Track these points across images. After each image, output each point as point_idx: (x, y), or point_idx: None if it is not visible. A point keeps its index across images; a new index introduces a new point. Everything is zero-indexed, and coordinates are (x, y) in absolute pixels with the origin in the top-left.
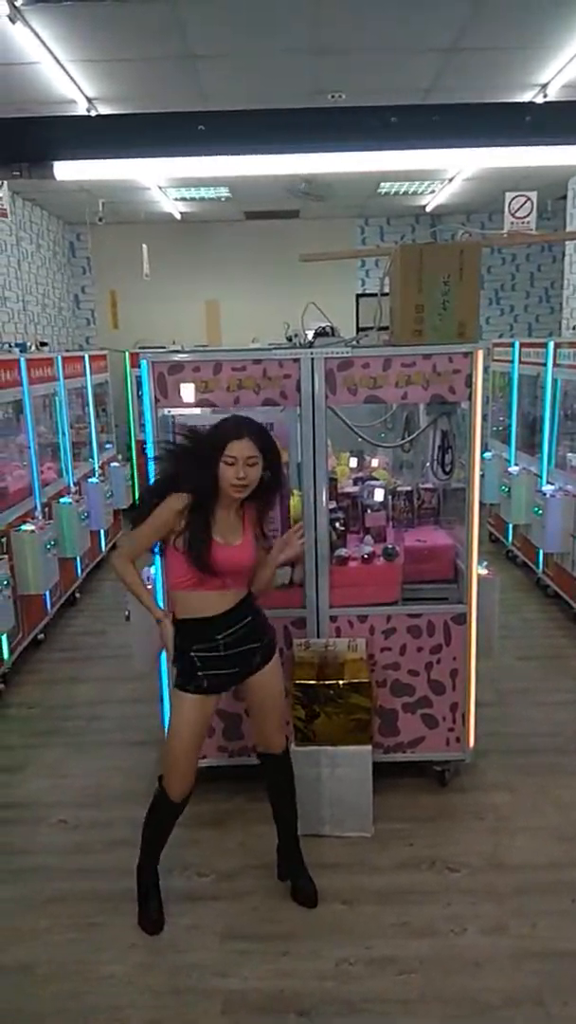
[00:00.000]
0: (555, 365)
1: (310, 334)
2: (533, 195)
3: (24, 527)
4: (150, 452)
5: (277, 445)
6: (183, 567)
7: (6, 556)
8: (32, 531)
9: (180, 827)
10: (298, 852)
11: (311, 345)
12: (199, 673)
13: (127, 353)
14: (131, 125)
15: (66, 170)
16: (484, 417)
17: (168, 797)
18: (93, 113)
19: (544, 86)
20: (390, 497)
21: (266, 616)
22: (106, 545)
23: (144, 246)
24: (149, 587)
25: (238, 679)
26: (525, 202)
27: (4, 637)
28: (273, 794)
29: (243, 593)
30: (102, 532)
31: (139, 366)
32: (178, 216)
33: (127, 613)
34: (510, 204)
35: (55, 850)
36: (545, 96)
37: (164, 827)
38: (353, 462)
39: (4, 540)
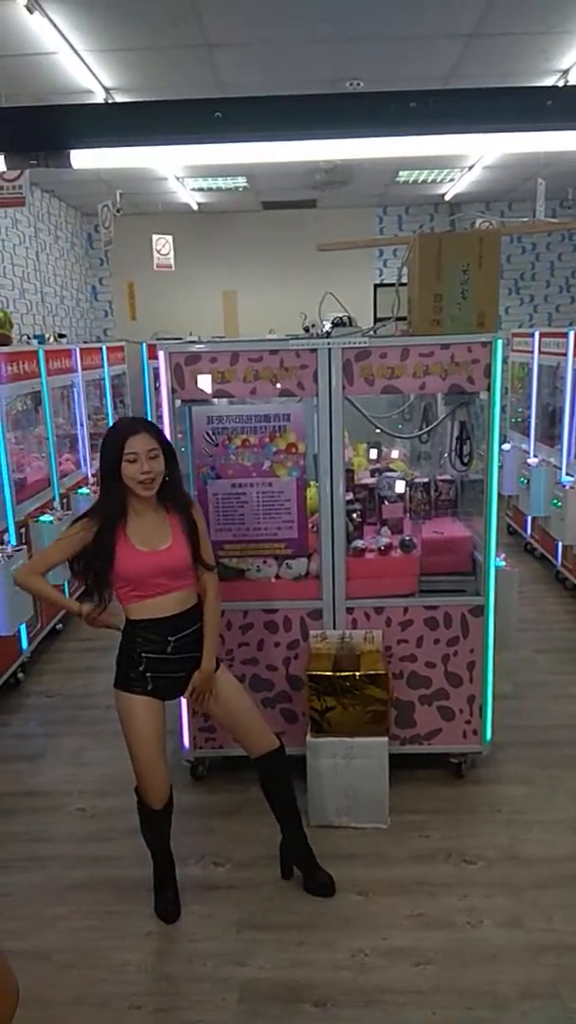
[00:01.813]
0: (575, 355)
1: (327, 324)
2: (543, 181)
3: (43, 518)
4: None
5: (170, 443)
6: (120, 586)
7: (25, 546)
8: (51, 521)
9: (196, 816)
10: (306, 847)
11: (328, 335)
12: (147, 674)
13: (144, 344)
14: (147, 113)
15: (83, 159)
16: (503, 408)
17: (148, 807)
18: (110, 102)
19: (565, 72)
20: (408, 488)
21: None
22: None
23: (169, 238)
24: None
25: (184, 685)
26: (542, 189)
27: (23, 627)
28: (273, 793)
29: (193, 599)
30: None
31: (156, 357)
32: (195, 207)
33: None
34: (540, 192)
35: (73, 838)
36: (567, 81)
37: (158, 832)
38: (371, 453)
39: (23, 530)
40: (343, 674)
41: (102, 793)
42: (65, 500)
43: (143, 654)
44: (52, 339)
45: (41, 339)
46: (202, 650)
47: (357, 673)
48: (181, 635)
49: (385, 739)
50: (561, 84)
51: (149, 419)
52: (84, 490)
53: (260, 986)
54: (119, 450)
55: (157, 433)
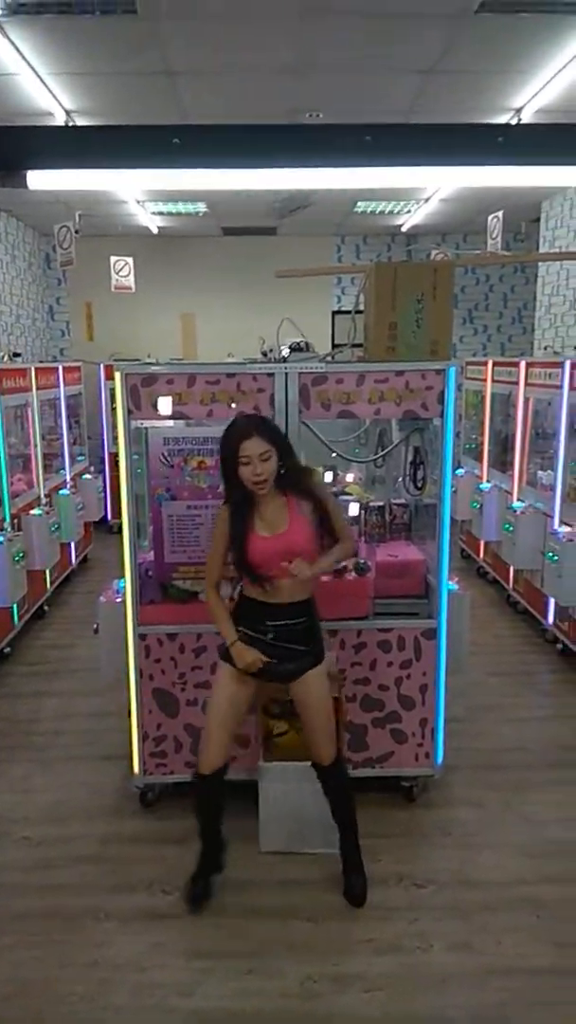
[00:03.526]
0: (527, 384)
1: (285, 349)
2: (500, 214)
3: None
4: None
5: (285, 435)
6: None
7: None
8: (0, 543)
9: (145, 843)
10: (356, 854)
11: (286, 360)
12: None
13: (102, 366)
14: (105, 136)
15: (40, 180)
16: (456, 434)
17: (198, 771)
18: (68, 125)
19: (519, 110)
20: (363, 512)
21: (321, 631)
22: (76, 558)
23: (130, 259)
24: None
25: (279, 674)
26: (496, 222)
27: None
28: (330, 801)
29: (308, 591)
30: (72, 544)
31: (113, 378)
32: (155, 230)
33: (95, 626)
34: (491, 226)
35: (18, 867)
36: (519, 119)
37: (207, 805)
38: (327, 477)
39: None
40: None
41: (49, 821)
42: (16, 521)
43: (242, 630)
44: (7, 358)
45: None
46: (306, 644)
47: None
48: (282, 623)
49: None
50: (514, 122)
51: (262, 417)
52: (37, 511)
53: (208, 1016)
54: (235, 453)
55: (270, 433)
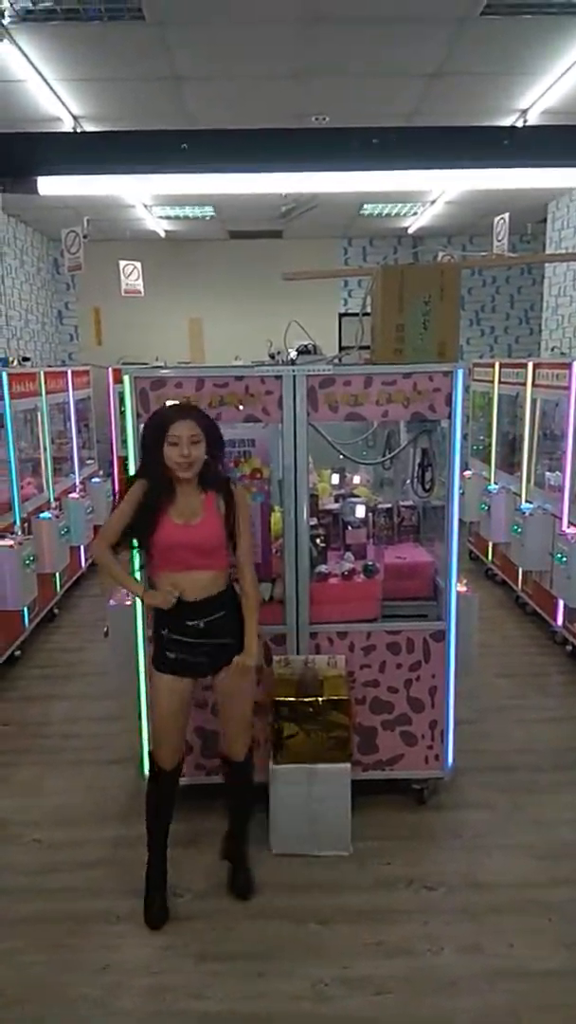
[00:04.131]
0: (534, 385)
1: (292, 352)
2: (506, 216)
3: (2, 543)
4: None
5: (218, 430)
6: (148, 553)
7: None
8: (10, 547)
9: None
10: (244, 847)
11: (293, 363)
12: (168, 654)
13: (110, 369)
14: (114, 142)
15: (49, 186)
16: (464, 436)
17: (158, 765)
18: (78, 131)
19: (524, 112)
20: (371, 514)
21: (241, 621)
22: (86, 561)
23: (138, 264)
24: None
25: (208, 669)
26: (503, 224)
27: None
28: (229, 793)
29: (220, 584)
30: (82, 548)
31: (122, 382)
32: (162, 234)
33: (106, 630)
34: (497, 228)
35: (28, 870)
36: (525, 121)
37: (161, 804)
38: (335, 479)
39: None
40: (306, 700)
41: (58, 824)
42: (26, 525)
43: (164, 633)
44: (16, 362)
45: (4, 362)
46: (228, 637)
47: (320, 699)
48: (203, 619)
49: (347, 765)
50: (520, 124)
51: (197, 407)
52: (46, 515)
53: (218, 1019)
54: (163, 432)
55: (203, 421)
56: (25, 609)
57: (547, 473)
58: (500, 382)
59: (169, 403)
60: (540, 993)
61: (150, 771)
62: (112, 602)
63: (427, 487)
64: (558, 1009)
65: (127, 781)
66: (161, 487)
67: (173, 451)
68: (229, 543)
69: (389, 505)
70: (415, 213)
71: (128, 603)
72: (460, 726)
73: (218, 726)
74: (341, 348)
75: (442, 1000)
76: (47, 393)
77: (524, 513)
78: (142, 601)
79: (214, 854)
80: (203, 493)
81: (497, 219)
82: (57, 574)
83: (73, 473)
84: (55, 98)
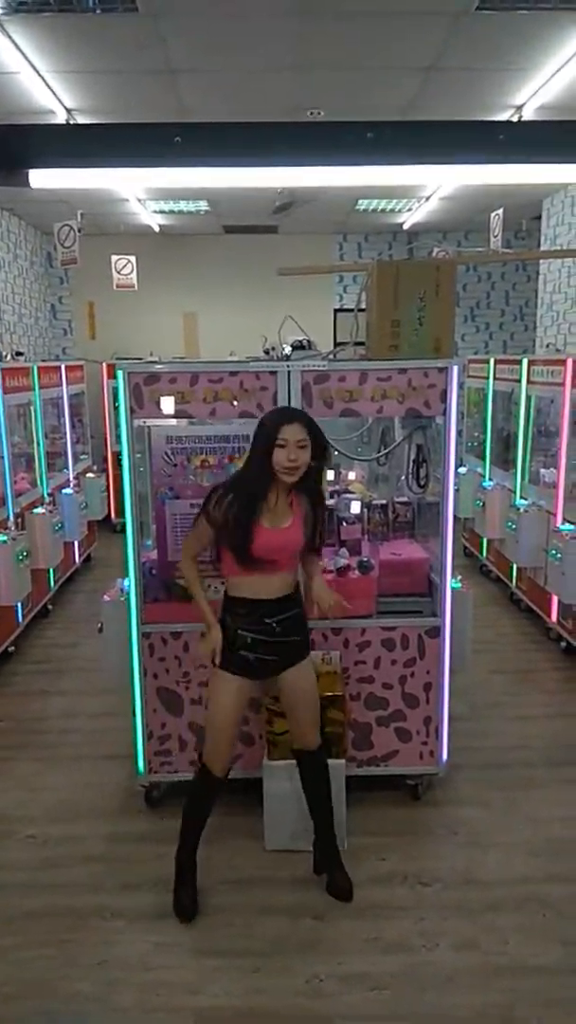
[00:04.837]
0: (529, 382)
1: (287, 348)
2: (500, 212)
3: None
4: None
5: (324, 435)
6: (231, 558)
7: None
8: (4, 542)
9: (151, 842)
10: (333, 848)
11: (288, 358)
12: (243, 654)
13: (104, 364)
14: (106, 135)
15: (41, 179)
16: (459, 432)
17: (211, 773)
18: (69, 123)
19: (520, 107)
20: (366, 510)
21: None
22: (80, 557)
23: (132, 258)
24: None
25: (278, 668)
26: (497, 219)
27: None
28: (308, 791)
29: (293, 583)
30: (76, 543)
31: (115, 377)
32: (157, 229)
33: (100, 625)
34: (492, 224)
35: (24, 866)
36: (520, 117)
37: (206, 805)
38: (330, 475)
39: None
40: None
41: (54, 820)
42: (20, 520)
43: (245, 633)
44: (9, 357)
45: None
46: (300, 635)
47: None
48: (282, 617)
49: (342, 761)
50: (515, 119)
51: (305, 412)
52: (40, 510)
53: (216, 1015)
54: (273, 434)
55: (311, 427)
56: (19, 605)
57: (541, 469)
58: (495, 378)
59: (279, 407)
60: (536, 989)
61: (200, 776)
62: (106, 597)
63: (422, 483)
64: (554, 1005)
65: (123, 776)
66: (255, 493)
67: (281, 454)
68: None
69: (384, 501)
70: (410, 209)
71: (122, 599)
72: (454, 722)
73: (288, 721)
74: (336, 344)
75: (438, 996)
76: (41, 388)
77: (519, 509)
78: (204, 634)
79: (211, 849)
80: (289, 494)
81: (493, 215)
82: (51, 569)
83: (67, 468)
84: (48, 90)
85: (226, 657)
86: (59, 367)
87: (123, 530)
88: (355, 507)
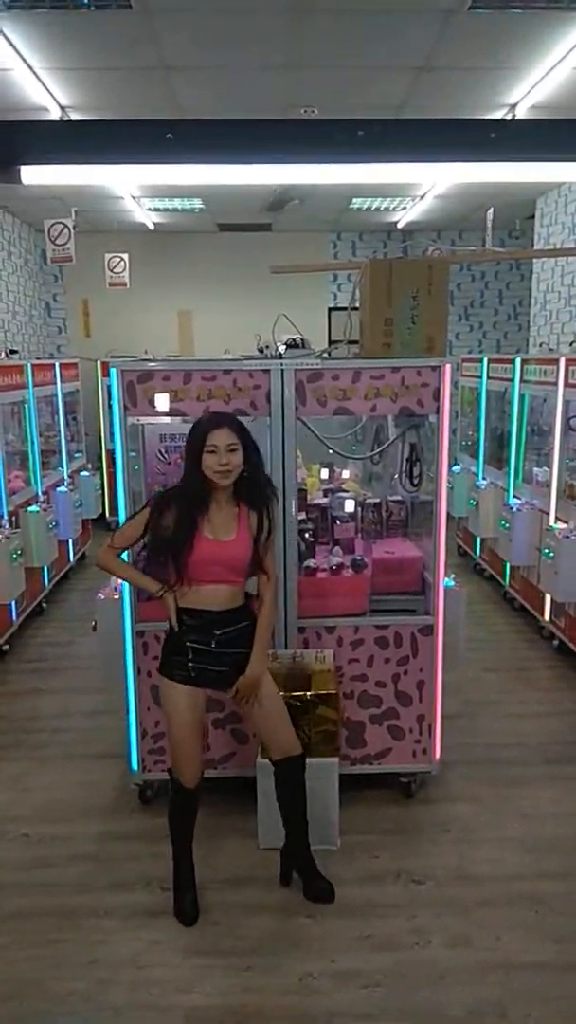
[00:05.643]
0: (522, 381)
1: (281, 346)
2: (490, 211)
3: None
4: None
5: (253, 440)
6: (172, 568)
7: None
8: None
9: (143, 841)
10: (309, 855)
11: (282, 357)
12: (189, 663)
13: (98, 362)
14: (98, 131)
15: (33, 175)
16: (452, 431)
17: (181, 784)
18: (61, 120)
19: (513, 106)
20: (359, 509)
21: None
22: (75, 555)
23: (125, 256)
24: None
25: (227, 680)
26: (489, 218)
27: None
28: (286, 798)
29: (240, 598)
30: (71, 542)
31: (109, 375)
32: (151, 226)
33: (94, 623)
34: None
35: (15, 865)
36: (514, 116)
37: (186, 815)
38: (323, 473)
39: None
40: (294, 694)
41: (46, 818)
42: (14, 518)
43: (188, 643)
44: (3, 355)
45: None
46: (248, 647)
47: (308, 693)
48: (226, 630)
49: (335, 759)
50: (508, 118)
51: (233, 415)
52: (34, 508)
53: (207, 1013)
54: (202, 441)
55: (239, 429)
56: (13, 603)
57: (535, 468)
58: (488, 377)
59: (210, 412)
60: (528, 986)
61: (173, 788)
62: (100, 595)
63: (415, 482)
64: (546, 1002)
65: (116, 775)
66: (197, 501)
67: (211, 459)
68: (255, 558)
69: (377, 500)
70: (404, 207)
71: (116, 597)
72: (448, 720)
73: (261, 736)
74: (330, 342)
75: (431, 993)
76: (35, 386)
77: (512, 508)
78: (159, 598)
79: (200, 848)
80: (236, 506)
81: (488, 212)
82: (45, 568)
83: (61, 466)
84: (41, 87)
85: (170, 664)
86: (53, 365)
87: (117, 528)
88: (349, 505)
